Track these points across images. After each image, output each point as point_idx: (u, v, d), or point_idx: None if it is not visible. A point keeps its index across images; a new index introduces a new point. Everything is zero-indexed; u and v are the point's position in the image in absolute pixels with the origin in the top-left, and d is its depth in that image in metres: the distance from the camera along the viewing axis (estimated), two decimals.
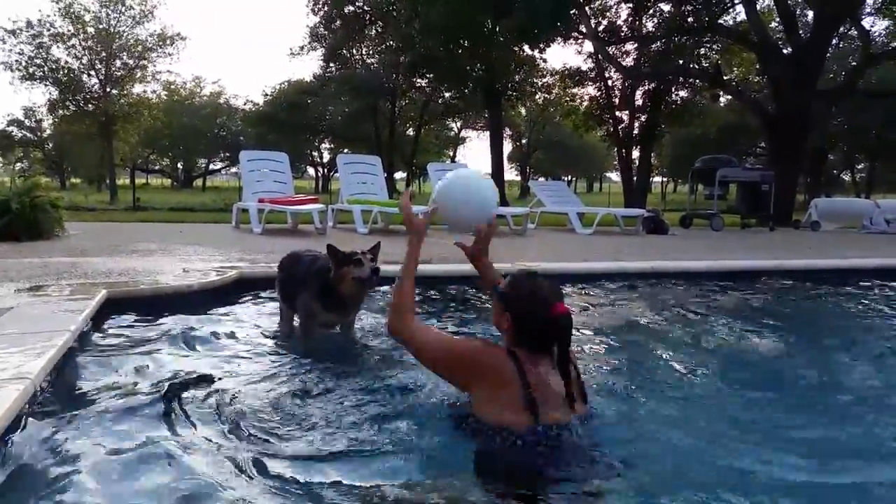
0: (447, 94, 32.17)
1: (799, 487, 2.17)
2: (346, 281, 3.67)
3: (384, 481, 2.13)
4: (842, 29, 24.29)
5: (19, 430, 2.34)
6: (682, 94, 27.11)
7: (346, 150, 37.99)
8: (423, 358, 2.48)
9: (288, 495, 2.06)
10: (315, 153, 54.53)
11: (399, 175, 43.36)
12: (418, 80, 29.16)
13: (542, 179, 38.31)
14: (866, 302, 6.07)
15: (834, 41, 25.14)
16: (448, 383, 2.53)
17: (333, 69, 35.54)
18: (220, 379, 3.14)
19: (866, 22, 22.93)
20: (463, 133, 55.76)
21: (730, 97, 29.50)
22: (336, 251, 3.72)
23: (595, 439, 2.30)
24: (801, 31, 19.46)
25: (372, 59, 35.61)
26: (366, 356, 3.77)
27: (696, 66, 24.89)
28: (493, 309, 2.43)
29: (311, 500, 2.04)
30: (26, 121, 48.38)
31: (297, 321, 4.04)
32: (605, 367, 3.57)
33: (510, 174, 58.60)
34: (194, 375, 3.15)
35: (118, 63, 29.88)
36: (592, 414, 2.42)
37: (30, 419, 2.46)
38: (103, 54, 29.26)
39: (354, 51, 35.64)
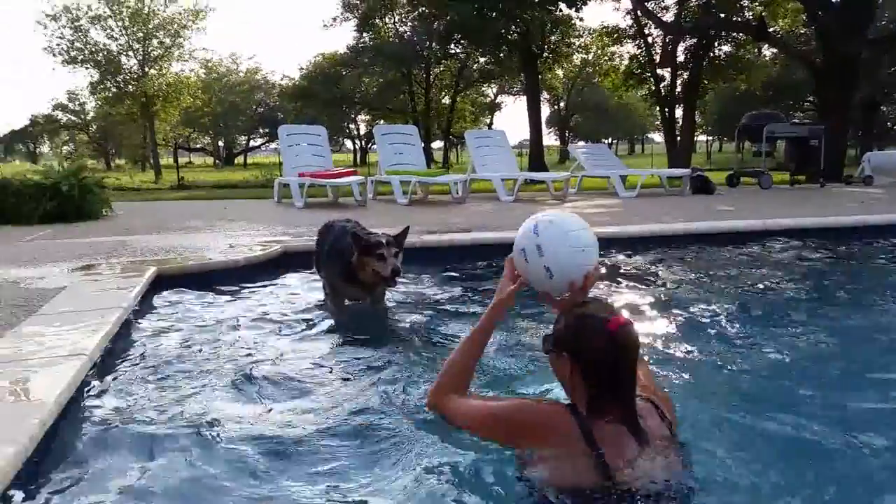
0: (482, 60, 31.76)
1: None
2: (365, 270, 3.61)
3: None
4: None
5: (77, 406, 2.40)
6: (726, 48, 26.25)
7: (382, 122, 37.93)
8: (463, 427, 2.12)
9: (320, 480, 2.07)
10: (352, 126, 54.59)
11: (436, 144, 43.21)
12: (452, 47, 28.82)
13: (581, 143, 37.80)
14: None
15: None
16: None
17: (367, 39, 35.35)
18: (265, 355, 3.18)
19: None
20: (499, 99, 55.15)
21: (775, 50, 28.49)
22: (358, 238, 3.62)
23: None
24: None
25: (405, 28, 35.31)
26: (398, 331, 3.75)
27: (739, 19, 24.04)
28: (554, 367, 2.01)
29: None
30: (70, 104, 49.49)
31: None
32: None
33: (549, 139, 57.89)
34: (242, 350, 3.20)
35: (155, 42, 30.18)
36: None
37: (87, 394, 2.52)
38: (140, 34, 29.58)
39: (387, 19, 35.37)
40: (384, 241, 3.60)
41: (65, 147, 54.47)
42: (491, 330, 2.26)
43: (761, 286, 4.77)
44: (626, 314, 1.97)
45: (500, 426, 1.99)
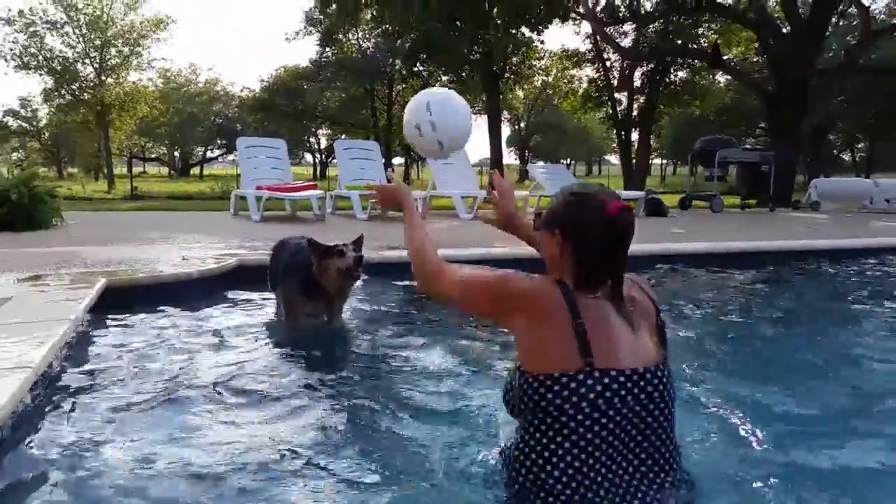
0: (444, 78, 32.02)
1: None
2: (329, 273, 3.59)
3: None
4: (841, 6, 24.12)
5: (21, 419, 2.34)
6: (681, 74, 26.99)
7: (343, 136, 37.84)
8: (454, 296, 2.02)
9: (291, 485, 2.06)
10: (313, 139, 54.32)
11: (397, 160, 43.21)
12: (416, 66, 29.00)
13: (540, 163, 38.24)
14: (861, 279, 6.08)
15: (833, 19, 24.98)
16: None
17: (329, 54, 35.32)
18: (214, 366, 3.14)
19: None
20: None
21: (729, 77, 29.35)
22: (317, 245, 3.63)
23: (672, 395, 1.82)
24: (800, 9, 19.33)
25: (368, 44, 35.39)
26: (355, 345, 3.76)
27: (695, 46, 24.76)
28: (540, 241, 1.97)
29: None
30: (22, 111, 48.20)
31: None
32: None
33: (509, 158, 58.41)
34: (190, 364, 3.16)
35: (113, 51, 29.71)
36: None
37: (31, 408, 2.46)
38: (97, 42, 29.07)
39: (350, 35, 35.41)
40: (341, 244, 3.63)
41: (14, 154, 52.97)
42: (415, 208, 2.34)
43: (710, 306, 4.90)
44: None
45: (492, 290, 1.89)
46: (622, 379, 1.71)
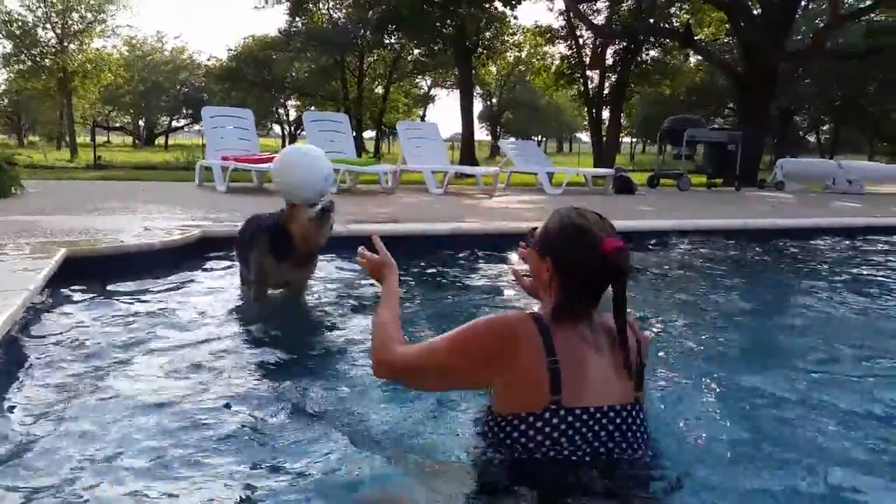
0: (416, 52, 31.68)
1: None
2: (299, 220, 3.45)
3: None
4: None
5: None
6: (653, 53, 27.07)
7: (312, 108, 37.34)
8: (426, 379, 1.94)
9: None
10: (281, 111, 53.53)
11: (368, 134, 42.85)
12: (386, 38, 28.66)
13: (511, 139, 38.22)
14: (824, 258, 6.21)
15: (803, 2, 25.22)
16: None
17: (299, 23, 34.70)
18: (174, 340, 3.10)
19: None
20: (433, 91, 55.15)
21: (699, 57, 29.52)
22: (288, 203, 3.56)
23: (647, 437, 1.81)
24: None
25: (339, 14, 34.84)
26: (320, 323, 3.70)
27: (667, 26, 24.82)
28: (529, 262, 1.93)
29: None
30: None
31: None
32: None
33: (480, 134, 58.27)
34: (152, 339, 3.11)
35: (75, 16, 28.84)
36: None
37: None
38: (59, 7, 28.17)
39: (321, 5, 34.81)
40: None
41: None
42: (397, 290, 2.14)
43: (677, 284, 4.97)
44: None
45: (472, 347, 1.77)
46: (585, 417, 1.68)
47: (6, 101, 49.40)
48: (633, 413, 1.75)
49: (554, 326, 1.71)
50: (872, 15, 22.64)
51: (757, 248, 6.66)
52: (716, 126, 20.84)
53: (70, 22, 28.65)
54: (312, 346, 3.26)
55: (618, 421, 1.72)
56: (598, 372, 1.72)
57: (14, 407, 2.29)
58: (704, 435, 2.16)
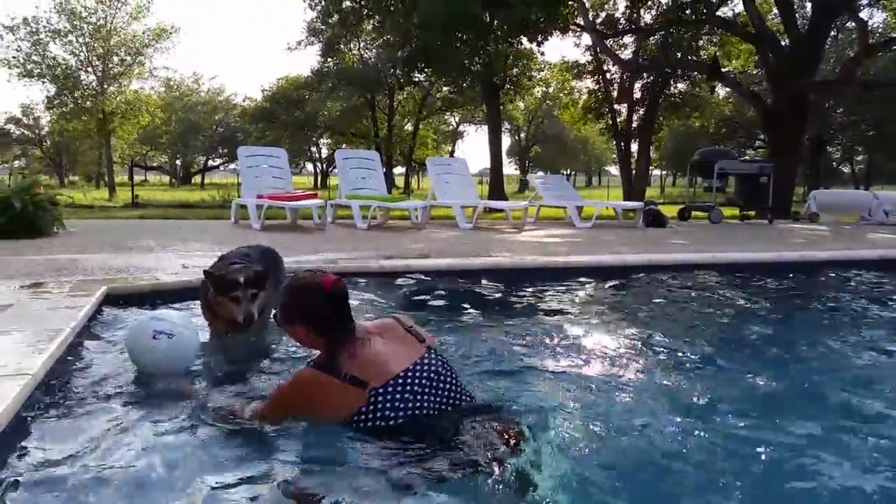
0: (445, 89, 32.10)
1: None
2: (222, 310, 3.29)
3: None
4: (839, 20, 24.23)
5: (20, 427, 2.36)
6: (681, 86, 27.07)
7: (344, 146, 37.93)
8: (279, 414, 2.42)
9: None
10: (314, 149, 54.45)
11: (398, 170, 43.34)
12: (416, 75, 29.15)
13: (540, 173, 38.29)
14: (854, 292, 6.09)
15: (832, 33, 25.08)
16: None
17: (331, 63, 35.47)
18: (214, 379, 3.15)
19: (864, 14, 22.84)
20: (461, 127, 55.75)
21: (728, 89, 29.43)
22: (212, 276, 3.30)
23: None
24: (799, 23, 19.43)
25: (369, 54, 35.55)
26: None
27: (694, 59, 24.84)
28: (290, 336, 2.53)
29: None
30: (24, 118, 48.41)
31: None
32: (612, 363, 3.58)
33: (509, 168, 58.51)
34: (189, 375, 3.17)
35: (115, 59, 29.81)
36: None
37: (30, 415, 2.48)
38: (100, 50, 29.17)
39: (352, 45, 35.57)
40: (241, 279, 3.23)
41: (16, 162, 53.11)
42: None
43: (712, 316, 4.92)
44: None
45: (290, 409, 2.35)
46: (399, 380, 2.25)
47: (49, 142, 51.08)
48: (431, 357, 2.39)
49: (338, 351, 2.28)
50: None
51: (789, 282, 6.57)
52: (747, 158, 20.69)
53: (110, 65, 29.61)
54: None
55: (425, 369, 2.32)
56: (384, 353, 2.31)
57: (59, 443, 2.35)
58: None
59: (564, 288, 5.73)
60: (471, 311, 4.89)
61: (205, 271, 3.36)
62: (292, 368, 3.04)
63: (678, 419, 2.62)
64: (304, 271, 2.45)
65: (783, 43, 19.24)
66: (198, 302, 3.60)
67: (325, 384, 2.23)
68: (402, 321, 2.50)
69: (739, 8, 22.34)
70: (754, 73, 29.38)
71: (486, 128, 27.91)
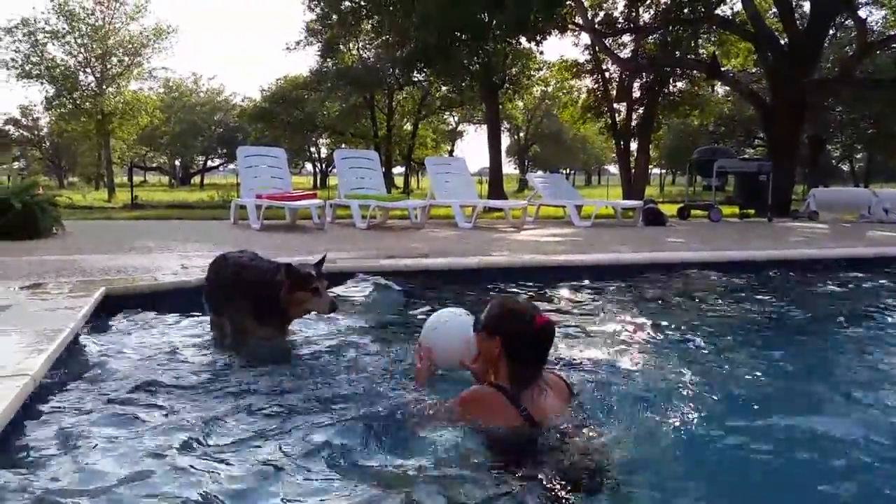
0: (444, 88, 32.10)
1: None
2: (297, 307, 3.34)
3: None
4: (838, 18, 24.23)
5: (20, 426, 2.36)
6: (680, 85, 27.05)
7: (343, 146, 37.92)
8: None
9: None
10: (313, 149, 54.42)
11: (397, 170, 43.33)
12: (415, 75, 29.14)
13: (539, 172, 38.24)
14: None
15: (831, 31, 25.07)
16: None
17: (330, 64, 35.44)
18: (211, 376, 3.16)
19: (863, 11, 22.83)
20: (460, 127, 55.71)
21: (727, 88, 29.41)
22: (292, 270, 3.30)
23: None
24: (797, 21, 19.42)
25: (368, 54, 35.52)
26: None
27: (693, 57, 24.82)
28: (478, 346, 2.53)
29: None
30: (23, 119, 48.34)
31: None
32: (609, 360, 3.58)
33: (508, 167, 58.49)
34: (190, 375, 3.17)
35: (114, 60, 29.79)
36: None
37: (29, 415, 2.48)
38: (98, 51, 29.15)
39: (351, 45, 35.54)
40: (314, 272, 3.32)
41: (15, 163, 53.07)
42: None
43: (710, 314, 4.92)
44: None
45: (466, 420, 2.35)
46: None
47: (48, 143, 51.04)
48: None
49: (516, 388, 2.35)
50: None
51: (787, 279, 6.57)
52: (746, 156, 20.70)
53: (109, 66, 29.57)
54: (350, 382, 3.21)
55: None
56: (553, 408, 2.38)
57: (57, 443, 2.35)
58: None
59: (564, 287, 5.73)
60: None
61: (286, 266, 3.32)
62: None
63: (678, 419, 2.63)
64: (525, 300, 2.67)
65: (782, 41, 19.23)
66: (195, 312, 3.54)
67: (502, 405, 2.32)
68: (567, 383, 2.60)
69: (738, 6, 22.36)
70: (753, 71, 29.37)
71: (485, 127, 27.94)
